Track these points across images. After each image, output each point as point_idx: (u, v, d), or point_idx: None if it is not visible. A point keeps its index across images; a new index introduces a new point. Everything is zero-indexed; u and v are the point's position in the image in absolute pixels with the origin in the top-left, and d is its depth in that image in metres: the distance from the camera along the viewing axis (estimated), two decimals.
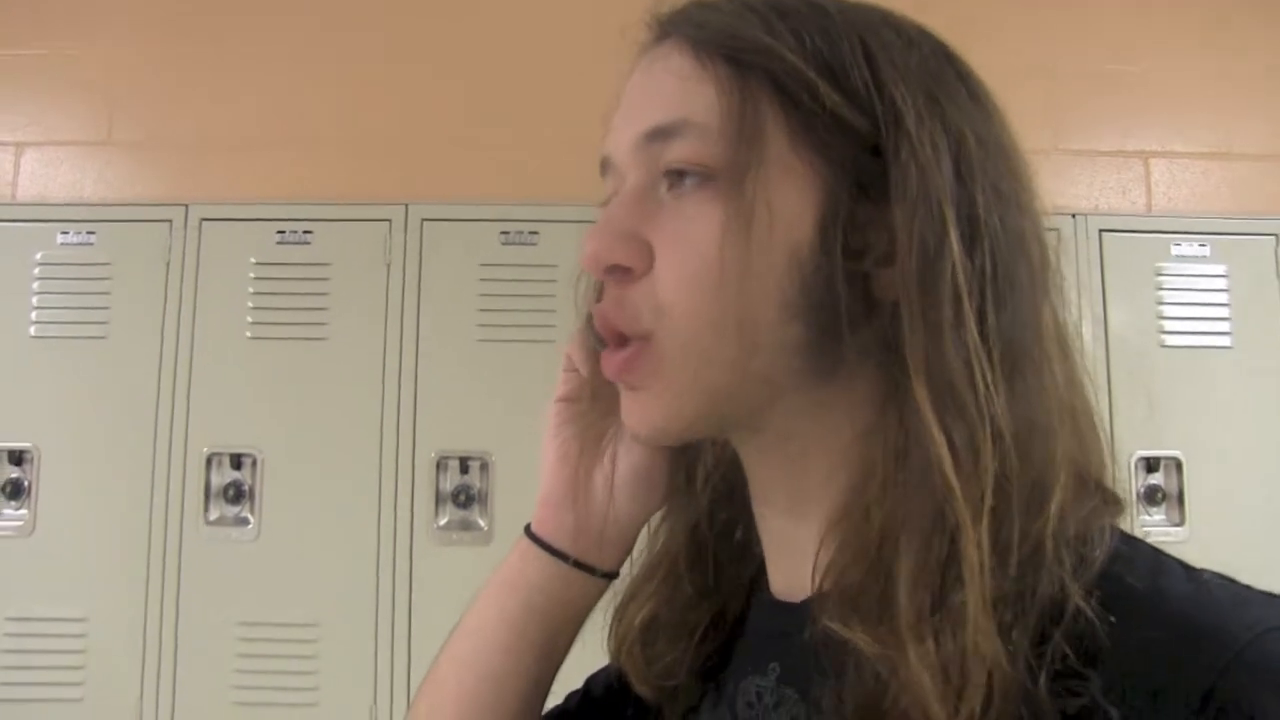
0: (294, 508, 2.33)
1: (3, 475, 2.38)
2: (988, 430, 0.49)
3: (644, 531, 0.68)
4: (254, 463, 2.35)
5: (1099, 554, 0.48)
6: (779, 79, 0.53)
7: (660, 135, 0.55)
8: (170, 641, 2.29)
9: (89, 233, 2.45)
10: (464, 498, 2.34)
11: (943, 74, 0.55)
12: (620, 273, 0.55)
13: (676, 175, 0.54)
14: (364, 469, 2.32)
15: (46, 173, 2.63)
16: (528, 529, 0.68)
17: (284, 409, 2.37)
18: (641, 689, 0.66)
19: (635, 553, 0.68)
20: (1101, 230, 2.44)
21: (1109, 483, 0.55)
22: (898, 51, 0.54)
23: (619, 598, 0.68)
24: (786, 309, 0.52)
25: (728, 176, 0.53)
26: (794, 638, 0.55)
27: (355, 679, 2.26)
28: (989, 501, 0.48)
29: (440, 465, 2.35)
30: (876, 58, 0.53)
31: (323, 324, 2.39)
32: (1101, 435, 0.56)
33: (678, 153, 0.54)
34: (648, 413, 0.56)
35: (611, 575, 0.68)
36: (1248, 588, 0.48)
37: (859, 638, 0.48)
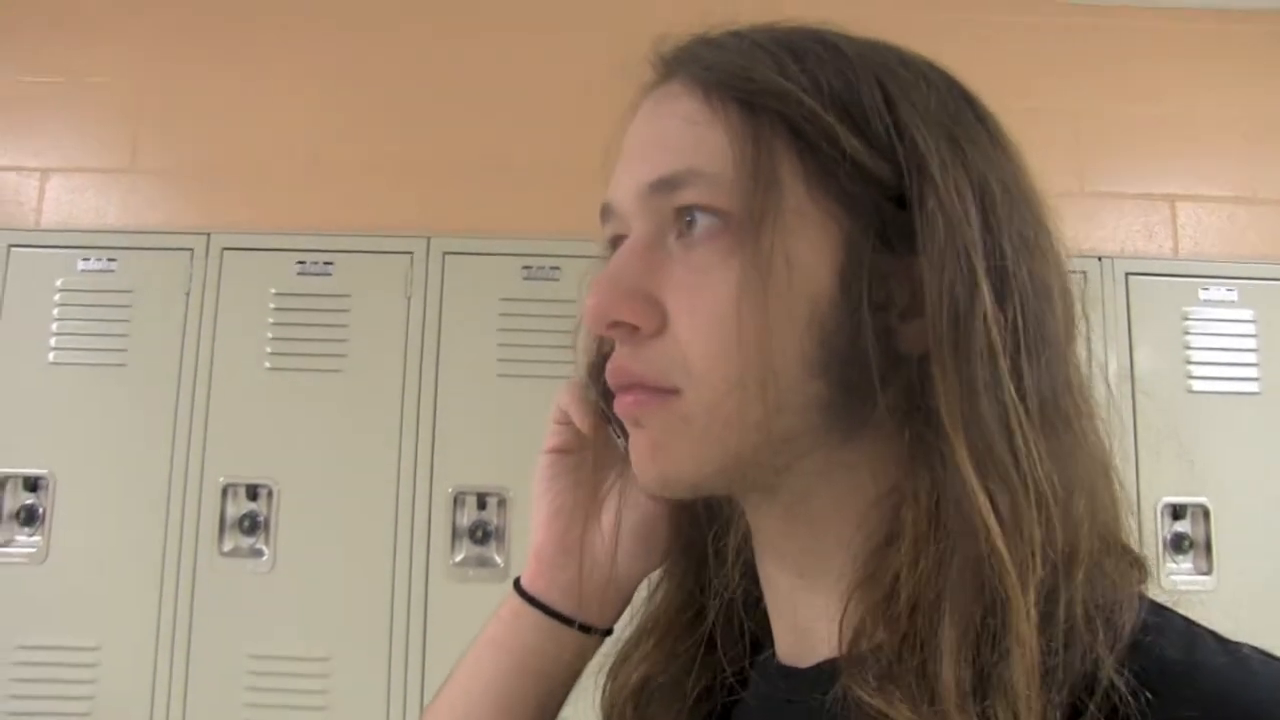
0: (309, 540, 2.32)
1: (18, 502, 2.37)
2: (1031, 494, 0.46)
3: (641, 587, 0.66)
4: (270, 494, 2.33)
5: (1127, 622, 0.46)
6: (795, 124, 0.51)
7: (667, 186, 0.52)
8: (181, 672, 2.27)
9: (110, 260, 2.45)
10: (481, 534, 2.32)
11: (963, 116, 0.53)
12: (627, 329, 0.53)
13: (686, 221, 0.52)
14: (381, 502, 2.30)
15: (70, 199, 2.63)
16: (517, 584, 0.66)
17: (302, 440, 2.35)
18: None
19: (630, 610, 0.66)
20: (1128, 274, 2.42)
21: (1131, 542, 0.53)
22: (917, 94, 0.52)
23: (613, 657, 0.66)
24: (809, 366, 0.50)
25: (742, 227, 0.50)
26: (800, 705, 0.53)
27: (366, 715, 2.23)
28: (1038, 572, 0.45)
29: (458, 500, 2.33)
30: (896, 100, 0.51)
31: (342, 355, 2.38)
32: (1120, 492, 0.54)
33: (688, 197, 0.52)
34: (664, 466, 0.53)
35: (607, 632, 0.66)
36: None
37: (899, 713, 0.46)
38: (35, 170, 2.65)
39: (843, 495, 0.53)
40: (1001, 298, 0.49)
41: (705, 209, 0.51)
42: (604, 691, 0.66)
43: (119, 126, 2.65)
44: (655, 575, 0.66)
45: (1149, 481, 2.26)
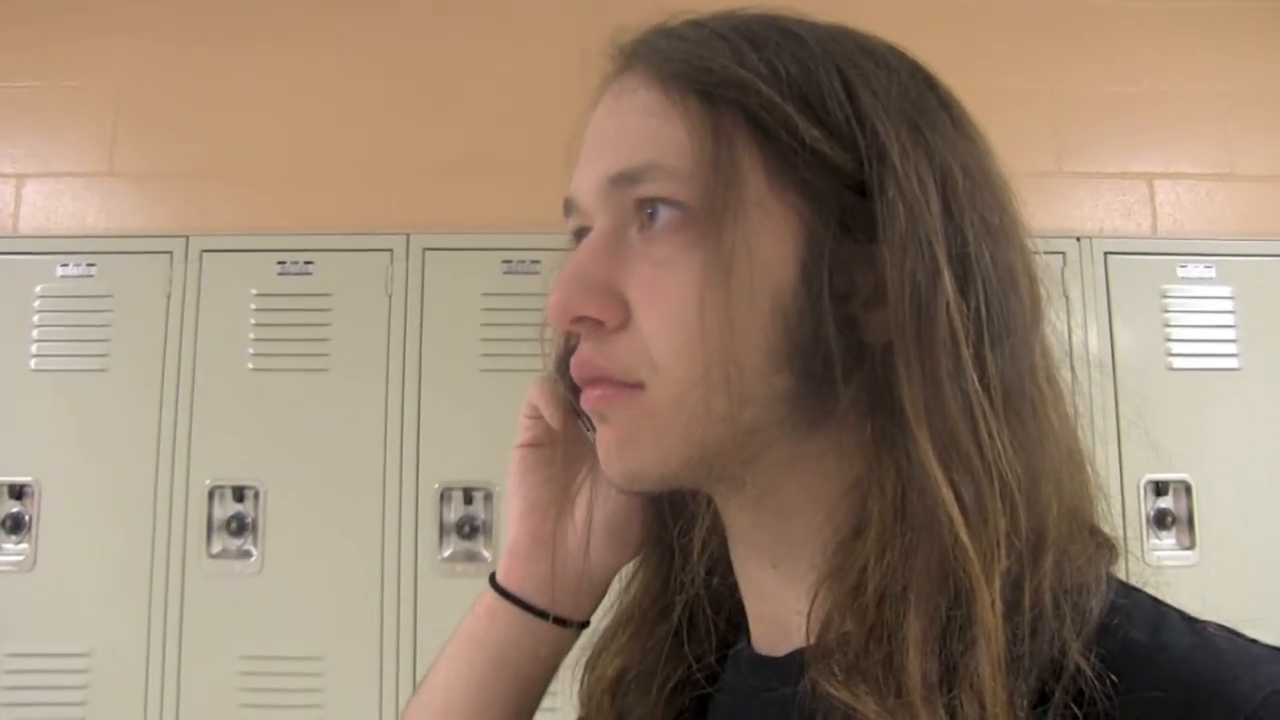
0: (297, 540, 2.32)
1: (3, 510, 2.36)
2: (996, 483, 0.46)
3: (616, 580, 0.66)
4: (256, 495, 2.33)
5: (1095, 605, 0.46)
6: (754, 114, 0.50)
7: (627, 180, 0.52)
8: (174, 675, 2.27)
9: (89, 264, 2.44)
10: (468, 529, 2.32)
11: (925, 102, 0.52)
12: (591, 324, 0.53)
13: (648, 214, 0.52)
14: (368, 500, 2.30)
15: (48, 204, 2.62)
16: (493, 580, 0.66)
17: (287, 441, 2.35)
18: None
19: (607, 602, 0.66)
20: (1107, 253, 2.43)
21: (1100, 523, 0.53)
22: (878, 80, 0.51)
23: (589, 650, 0.66)
24: (773, 358, 0.50)
25: (703, 220, 0.50)
26: (774, 694, 0.53)
27: (359, 712, 2.24)
28: (1002, 562, 0.45)
29: (444, 496, 2.33)
30: (856, 88, 0.51)
31: (325, 355, 2.38)
32: (1090, 475, 0.54)
33: (648, 190, 0.51)
34: (630, 460, 0.53)
35: (583, 625, 0.66)
36: (1253, 642, 0.45)
37: (866, 705, 0.46)
38: (11, 176, 2.64)
39: (811, 486, 0.53)
40: (964, 285, 0.48)
41: (666, 202, 0.51)
42: (582, 684, 0.66)
43: (96, 130, 2.63)
44: (630, 567, 0.66)
45: (1131, 459, 2.27)
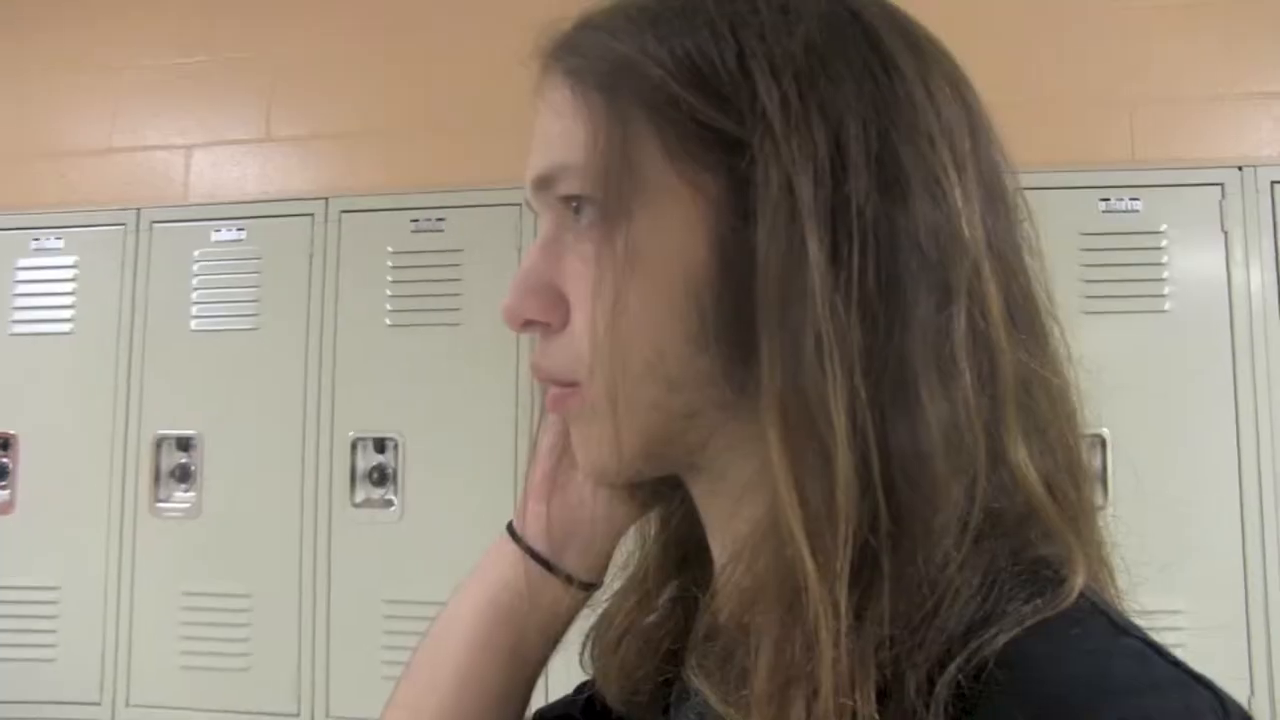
0: (434, 489, 2.40)
1: (173, 461, 2.54)
2: (851, 477, 0.43)
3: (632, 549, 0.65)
4: (396, 446, 2.43)
5: (1001, 608, 0.42)
6: (648, 98, 0.49)
7: (545, 183, 0.53)
8: (324, 616, 2.40)
9: (239, 229, 2.57)
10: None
11: (834, 46, 0.48)
12: (540, 325, 0.53)
13: (575, 210, 0.52)
14: (500, 449, 2.36)
15: (213, 172, 2.78)
16: (509, 525, 0.66)
17: (424, 394, 2.44)
18: (616, 705, 0.63)
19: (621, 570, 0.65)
20: (1274, 182, 2.23)
21: (1076, 493, 0.49)
22: (775, 34, 0.48)
23: (601, 615, 0.65)
24: (692, 341, 0.49)
25: (613, 212, 0.49)
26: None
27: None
28: (845, 559, 0.42)
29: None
30: (745, 48, 0.48)
31: (457, 309, 2.45)
32: (1074, 437, 0.50)
33: (563, 190, 0.52)
34: (589, 455, 0.54)
35: (586, 586, 0.64)
36: (1174, 664, 0.41)
37: (713, 700, 0.46)
38: (181, 147, 2.81)
39: (755, 469, 0.50)
40: (840, 255, 0.45)
41: (580, 199, 0.51)
42: (591, 646, 0.66)
43: (255, 99, 2.77)
44: (647, 534, 0.65)
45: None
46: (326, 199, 2.53)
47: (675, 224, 0.49)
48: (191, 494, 2.52)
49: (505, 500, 2.28)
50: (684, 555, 0.62)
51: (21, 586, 2.58)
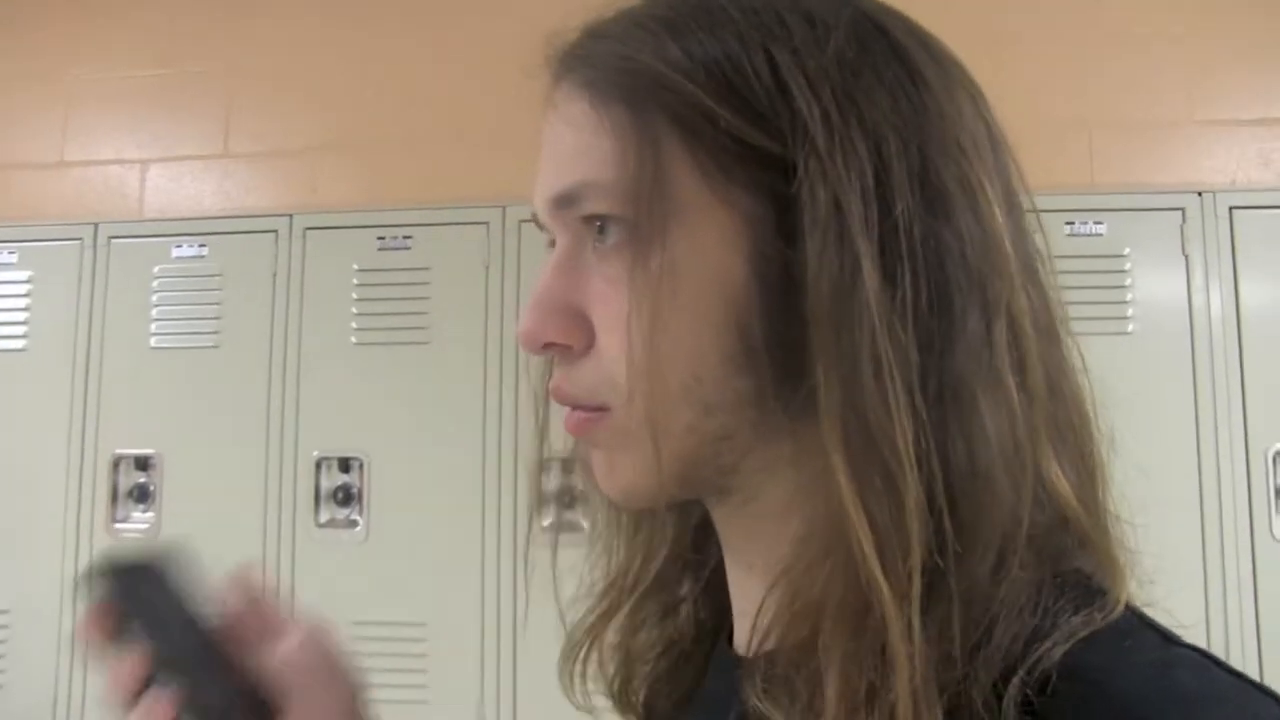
0: (400, 509, 2.38)
1: (131, 480, 2.49)
2: (920, 499, 0.43)
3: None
4: (361, 466, 2.40)
5: (1059, 624, 0.42)
6: (677, 112, 0.48)
7: (566, 201, 0.51)
8: None
9: (201, 245, 2.53)
10: (568, 499, 2.34)
11: (865, 60, 0.48)
12: (560, 349, 0.51)
13: (598, 229, 0.50)
14: (468, 472, 2.34)
15: (170, 187, 2.74)
16: None
17: (390, 413, 2.41)
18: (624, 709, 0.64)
19: (612, 575, 0.64)
20: (1232, 207, 2.27)
21: (1101, 502, 0.49)
22: (807, 47, 0.47)
23: (622, 648, 0.64)
24: (732, 363, 0.48)
25: (644, 232, 0.48)
26: (730, 695, 0.51)
27: (461, 683, 2.29)
28: (917, 586, 0.42)
29: (547, 469, 2.33)
30: (779, 62, 0.47)
31: (425, 328, 2.42)
32: (1097, 454, 0.50)
33: (588, 209, 0.50)
34: (620, 479, 0.53)
35: None
36: (1232, 673, 0.41)
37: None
38: (136, 161, 2.76)
39: (790, 491, 0.51)
40: (893, 274, 0.45)
41: (607, 218, 0.49)
42: (591, 654, 0.64)
43: (213, 113, 2.73)
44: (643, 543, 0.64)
45: (1257, 427, 2.14)
46: (290, 215, 2.50)
47: (712, 243, 0.48)
48: (150, 514, 2.47)
49: (472, 520, 2.30)
50: (686, 572, 0.63)
51: None
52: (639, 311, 0.48)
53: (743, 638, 0.55)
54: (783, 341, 0.47)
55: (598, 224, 0.50)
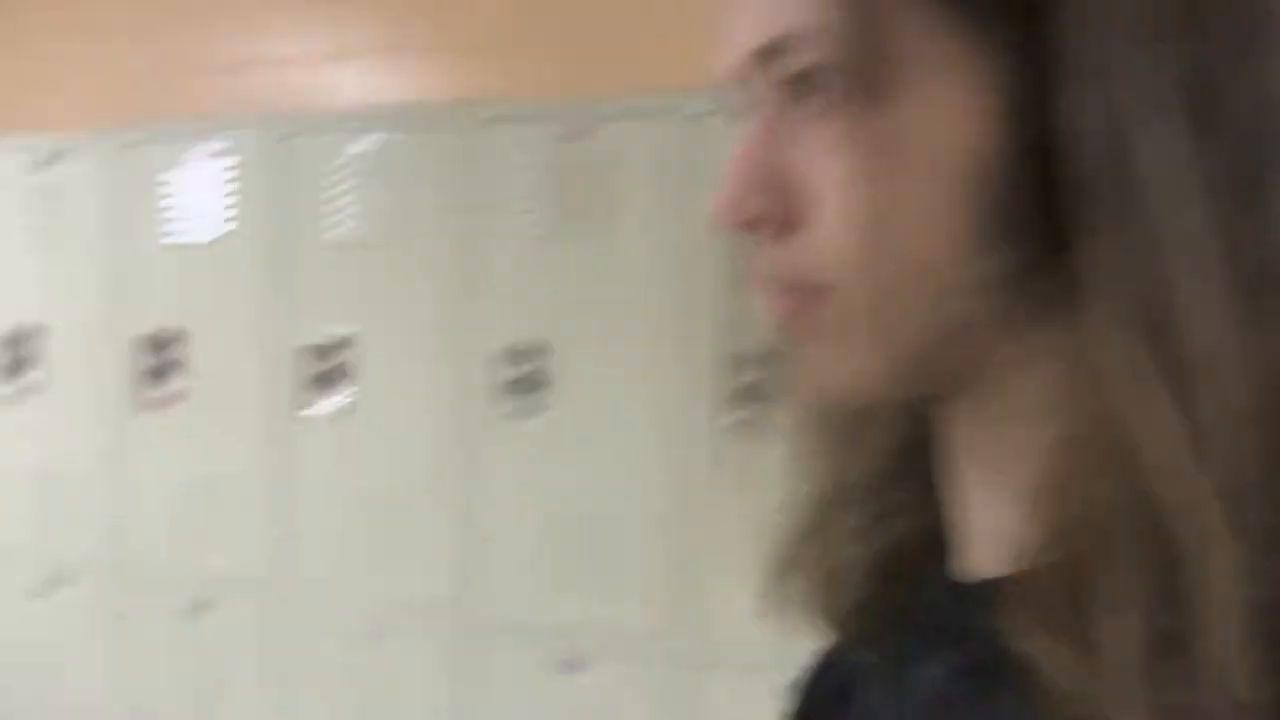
0: (588, 397, 2.41)
1: (317, 367, 2.61)
2: (1228, 405, 0.36)
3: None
4: (547, 354, 2.43)
5: None
6: None
7: (769, 54, 0.43)
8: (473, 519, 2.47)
9: (383, 137, 2.56)
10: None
11: None
12: (765, 224, 0.45)
13: (808, 87, 0.43)
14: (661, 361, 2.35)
15: (359, 81, 2.77)
16: None
17: (571, 303, 2.44)
18: (834, 630, 0.58)
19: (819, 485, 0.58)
20: None
21: None
22: None
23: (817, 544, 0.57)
24: (980, 238, 0.41)
25: (871, 88, 0.41)
26: (970, 627, 0.45)
27: (643, 576, 2.34)
28: (1223, 509, 0.35)
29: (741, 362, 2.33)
30: None
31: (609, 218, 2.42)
32: None
33: (797, 63, 0.43)
34: (833, 374, 0.46)
35: None
36: None
37: (1050, 663, 0.38)
38: (324, 56, 2.81)
39: (1047, 388, 0.43)
40: (1197, 124, 0.37)
41: (819, 73, 0.42)
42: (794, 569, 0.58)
43: (394, 4, 2.73)
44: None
45: None
46: (472, 105, 2.50)
47: (953, 100, 0.41)
48: (344, 399, 2.59)
49: (664, 408, 2.30)
50: (900, 485, 0.55)
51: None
52: (866, 177, 0.41)
53: (974, 561, 0.49)
54: (1040, 214, 0.40)
55: (808, 80, 0.43)
